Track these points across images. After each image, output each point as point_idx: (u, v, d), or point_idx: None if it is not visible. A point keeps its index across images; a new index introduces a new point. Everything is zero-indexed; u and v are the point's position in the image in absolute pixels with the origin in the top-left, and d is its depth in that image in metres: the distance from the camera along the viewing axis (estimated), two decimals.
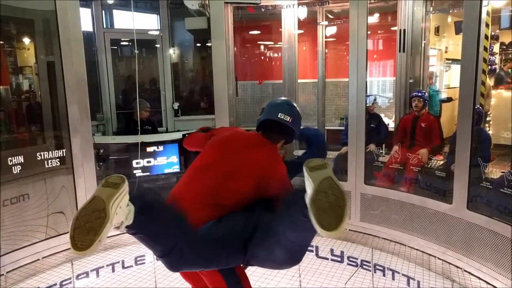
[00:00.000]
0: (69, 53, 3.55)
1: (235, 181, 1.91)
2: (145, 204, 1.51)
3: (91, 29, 5.40)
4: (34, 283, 3.20)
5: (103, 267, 3.61)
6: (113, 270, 3.67)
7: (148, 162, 4.39)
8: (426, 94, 4.61)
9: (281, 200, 1.70)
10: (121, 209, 1.35)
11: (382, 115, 5.49)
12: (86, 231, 1.22)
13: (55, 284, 3.20)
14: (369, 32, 3.88)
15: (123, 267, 3.70)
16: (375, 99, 5.12)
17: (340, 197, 1.28)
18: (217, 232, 1.77)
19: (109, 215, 1.26)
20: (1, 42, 3.93)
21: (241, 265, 2.01)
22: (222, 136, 2.18)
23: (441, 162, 4.21)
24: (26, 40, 4.30)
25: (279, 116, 2.09)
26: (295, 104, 2.22)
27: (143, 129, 4.40)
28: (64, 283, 3.24)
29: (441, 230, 3.38)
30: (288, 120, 2.09)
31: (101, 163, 4.18)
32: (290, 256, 1.75)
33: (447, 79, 5.86)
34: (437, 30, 5.30)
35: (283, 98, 2.44)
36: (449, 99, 5.41)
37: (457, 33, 5.24)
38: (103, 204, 1.28)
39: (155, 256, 3.55)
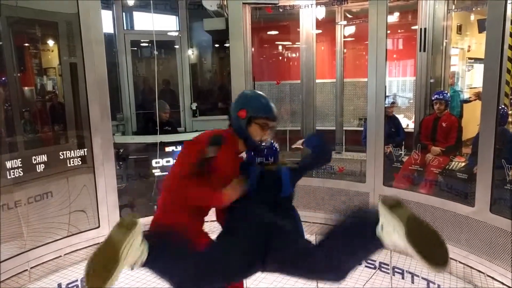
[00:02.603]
0: (91, 55, 3.63)
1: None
2: (157, 242, 1.56)
3: (111, 31, 5.50)
4: (57, 279, 3.28)
5: None
6: (132, 268, 3.72)
7: (167, 161, 4.44)
8: (448, 94, 4.52)
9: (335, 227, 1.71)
10: (134, 250, 1.42)
11: (401, 116, 5.41)
12: (99, 274, 1.33)
13: (76, 280, 3.27)
14: (388, 32, 3.83)
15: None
16: (393, 102, 5.03)
17: (436, 234, 1.34)
18: (229, 254, 1.76)
19: (120, 261, 1.34)
20: (26, 44, 4.05)
21: None
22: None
23: (463, 164, 4.13)
24: (50, 42, 4.41)
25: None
26: (243, 93, 2.22)
27: (162, 130, 4.46)
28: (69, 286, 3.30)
29: (463, 233, 3.30)
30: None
31: (121, 163, 4.25)
32: (338, 276, 1.76)
33: (470, 79, 5.73)
34: (459, 28, 5.19)
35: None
36: (470, 100, 5.30)
37: (480, 31, 5.12)
38: (115, 249, 1.35)
39: None
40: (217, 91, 6.47)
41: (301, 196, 4.15)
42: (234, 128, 2.07)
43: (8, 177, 3.13)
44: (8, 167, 3.14)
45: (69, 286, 3.21)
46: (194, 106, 5.91)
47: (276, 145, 2.34)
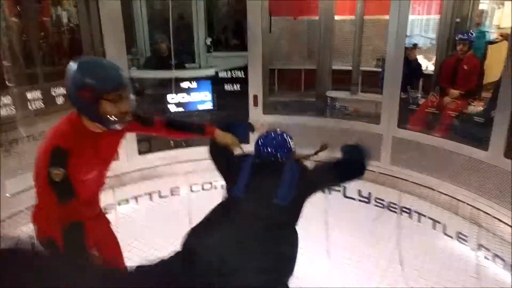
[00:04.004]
0: None
1: None
2: None
3: None
4: None
5: (141, 195, 3.86)
6: (151, 199, 3.92)
7: (182, 98, 4.45)
8: (473, 35, 4.33)
9: None
10: None
11: (421, 57, 5.24)
12: None
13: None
14: None
15: (160, 197, 3.95)
16: (415, 44, 4.83)
17: None
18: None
19: None
20: None
21: None
22: None
23: (481, 108, 4.07)
24: None
25: None
26: (74, 66, 1.62)
27: (168, 64, 4.39)
28: (107, 207, 3.50)
29: (474, 176, 3.35)
30: None
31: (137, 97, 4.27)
32: None
33: (498, 19, 5.42)
34: None
35: None
36: (496, 41, 5.06)
37: None
38: None
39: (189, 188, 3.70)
40: (233, 26, 6.27)
41: (314, 136, 4.19)
42: (82, 112, 1.65)
43: (30, 108, 3.20)
44: (29, 98, 3.20)
45: None
46: (208, 41, 5.77)
47: (291, 141, 2.03)
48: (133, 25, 5.37)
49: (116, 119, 1.65)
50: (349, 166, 2.01)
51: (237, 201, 1.78)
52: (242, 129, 2.30)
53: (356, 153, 2.04)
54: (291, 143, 2.01)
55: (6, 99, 3.07)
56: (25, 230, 2.86)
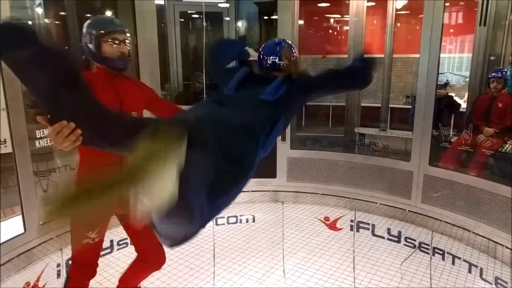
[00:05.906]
0: (143, 25, 3.74)
1: None
2: None
3: (162, 2, 5.61)
4: (110, 235, 3.50)
5: None
6: None
7: None
8: (507, 73, 4.25)
9: None
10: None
11: (453, 94, 5.17)
12: None
13: (127, 238, 3.50)
14: (447, 4, 3.62)
15: None
16: (447, 82, 4.77)
17: None
18: None
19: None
20: (88, 14, 4.25)
21: None
22: None
23: None
24: (108, 13, 4.59)
25: None
26: None
27: (200, 99, 4.56)
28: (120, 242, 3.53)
29: None
30: None
31: None
32: None
33: None
34: None
35: None
36: None
37: None
38: None
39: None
40: None
41: (343, 172, 4.15)
42: (91, 57, 2.10)
43: None
44: None
45: (120, 242, 3.46)
46: None
47: (295, 50, 2.12)
48: (167, 61, 5.64)
49: (116, 57, 2.06)
50: (354, 73, 2.07)
51: (226, 95, 1.80)
52: (234, 48, 2.38)
53: (363, 63, 2.10)
54: (295, 53, 2.10)
55: (46, 132, 3.25)
56: (55, 258, 2.93)
